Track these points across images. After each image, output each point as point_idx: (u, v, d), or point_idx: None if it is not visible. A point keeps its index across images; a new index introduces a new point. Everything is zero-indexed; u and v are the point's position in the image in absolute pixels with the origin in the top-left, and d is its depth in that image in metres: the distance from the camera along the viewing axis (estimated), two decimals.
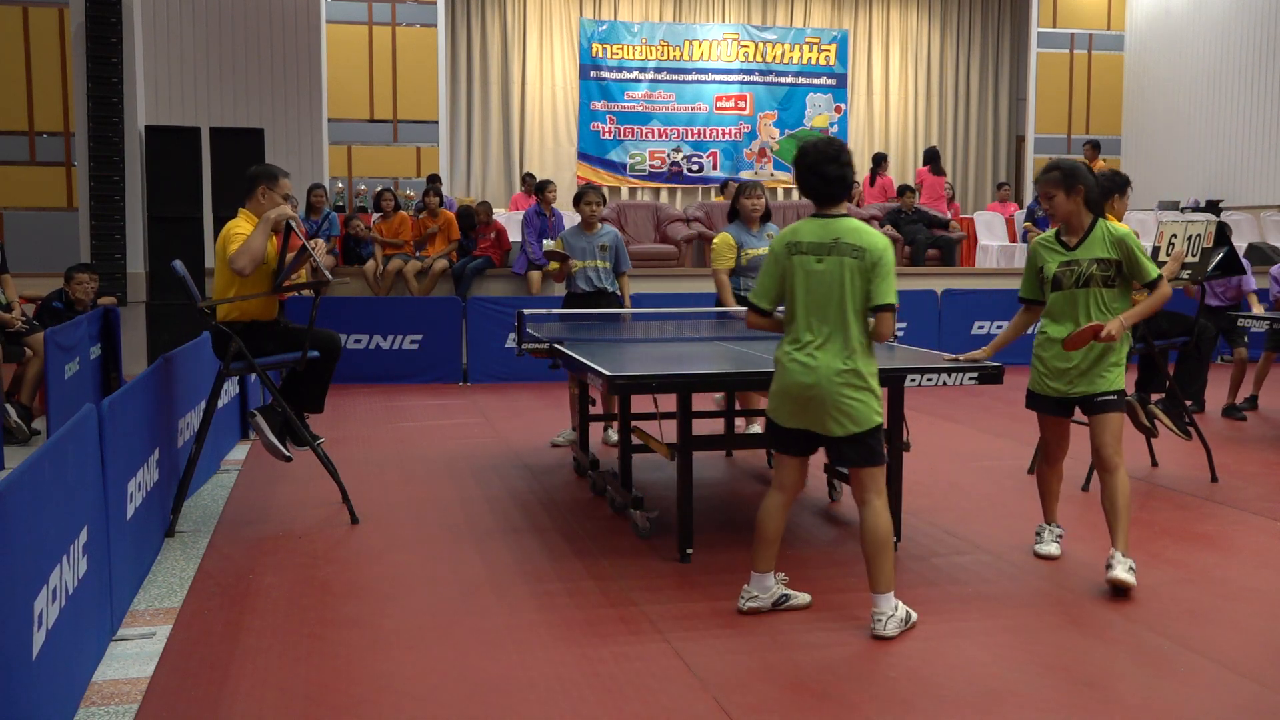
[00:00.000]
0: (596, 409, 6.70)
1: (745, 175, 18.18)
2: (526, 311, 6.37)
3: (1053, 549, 4.73)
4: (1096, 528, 5.24)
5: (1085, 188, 4.35)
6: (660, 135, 18.03)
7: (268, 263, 5.34)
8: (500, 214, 13.65)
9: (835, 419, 3.79)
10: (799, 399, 3.83)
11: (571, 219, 14.29)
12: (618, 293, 7.08)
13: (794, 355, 3.85)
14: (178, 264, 5.38)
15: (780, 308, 4.00)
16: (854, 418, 3.78)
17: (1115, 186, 6.20)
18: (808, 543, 4.95)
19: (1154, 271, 4.36)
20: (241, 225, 5.30)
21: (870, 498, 3.85)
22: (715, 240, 6.76)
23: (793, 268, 3.87)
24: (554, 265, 7.12)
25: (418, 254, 11.07)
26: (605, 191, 17.57)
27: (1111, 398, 4.38)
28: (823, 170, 3.86)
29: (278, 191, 5.38)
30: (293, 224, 5.30)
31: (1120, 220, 6.23)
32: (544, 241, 10.84)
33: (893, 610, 3.80)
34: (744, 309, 6.62)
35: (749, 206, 6.64)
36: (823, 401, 3.78)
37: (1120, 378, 4.43)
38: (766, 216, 6.74)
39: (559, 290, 8.70)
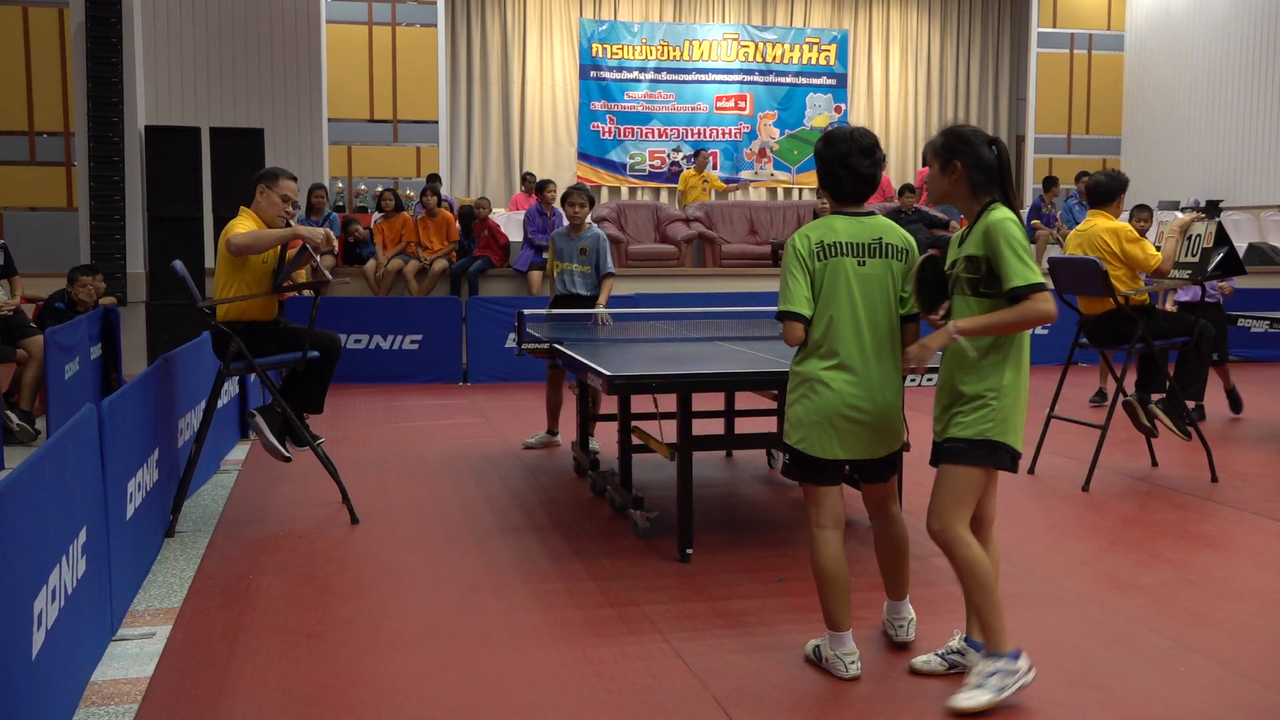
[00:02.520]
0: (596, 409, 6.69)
1: (745, 175, 18.20)
2: (527, 312, 6.37)
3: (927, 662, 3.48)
4: (1096, 527, 5.25)
5: (965, 163, 3.28)
6: (660, 135, 18.02)
7: (267, 262, 5.34)
8: (500, 214, 13.65)
9: (888, 441, 3.46)
10: (856, 422, 3.37)
11: None
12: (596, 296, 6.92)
13: (842, 375, 3.35)
14: (178, 264, 5.38)
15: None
16: (900, 433, 3.50)
17: (1120, 186, 6.22)
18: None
19: (1021, 278, 3.13)
20: (242, 221, 5.29)
21: (891, 505, 3.63)
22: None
23: (832, 271, 3.35)
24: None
25: (419, 253, 11.06)
26: (604, 191, 17.71)
27: (957, 446, 3.27)
28: (853, 164, 3.40)
29: (276, 191, 5.36)
30: (292, 225, 5.30)
31: (1116, 220, 6.24)
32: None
33: (911, 614, 3.75)
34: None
35: (819, 208, 6.55)
36: (881, 423, 3.40)
37: (989, 422, 3.21)
38: None
39: None
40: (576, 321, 6.73)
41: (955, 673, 3.41)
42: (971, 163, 3.27)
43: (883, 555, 3.70)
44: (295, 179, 5.51)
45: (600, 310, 6.83)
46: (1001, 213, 3.22)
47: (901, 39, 18.78)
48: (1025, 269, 3.14)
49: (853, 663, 3.45)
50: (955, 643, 3.50)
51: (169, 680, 3.46)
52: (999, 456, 3.24)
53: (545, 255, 10.75)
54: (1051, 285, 3.12)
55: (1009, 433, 3.23)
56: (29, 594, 2.78)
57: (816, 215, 6.56)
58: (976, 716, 3.15)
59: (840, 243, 3.38)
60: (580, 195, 6.90)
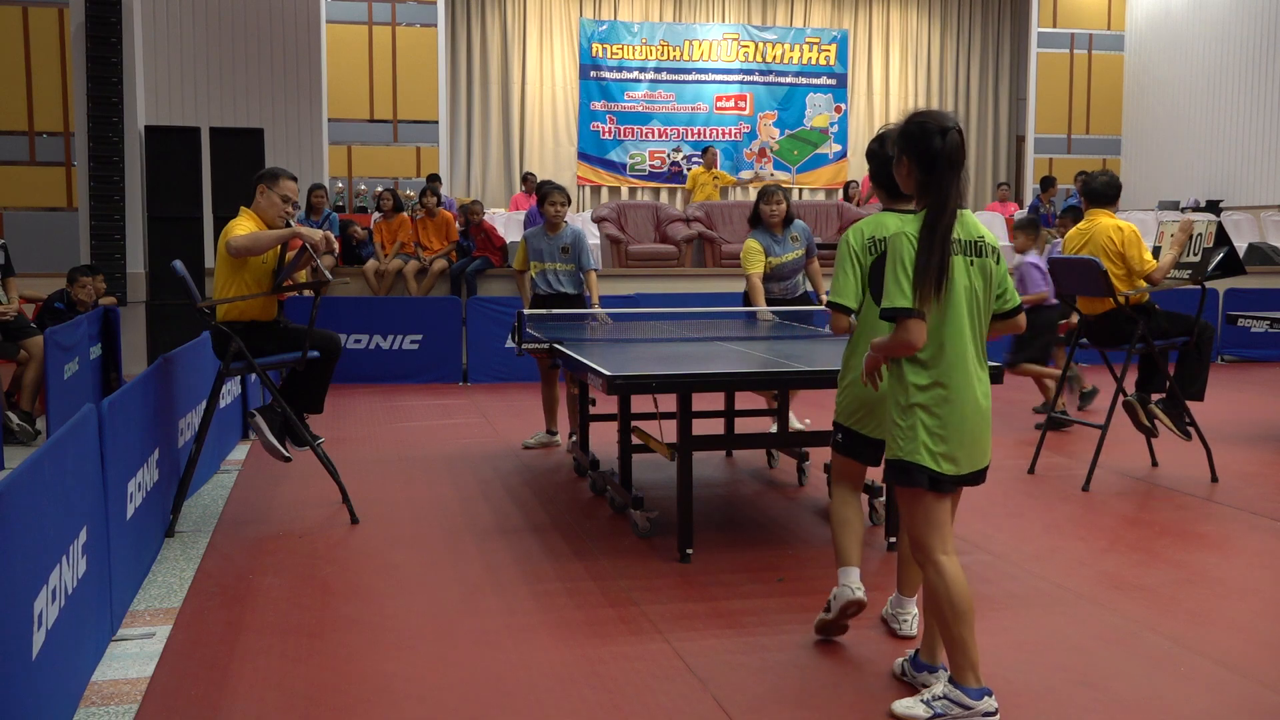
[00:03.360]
0: (596, 409, 6.69)
1: (745, 175, 18.21)
2: (526, 311, 6.37)
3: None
4: (1096, 527, 5.25)
5: (910, 159, 3.12)
6: (660, 135, 18.03)
7: (267, 262, 5.34)
8: (500, 214, 13.64)
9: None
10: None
11: (571, 219, 14.31)
12: (584, 293, 6.93)
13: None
14: (178, 264, 5.37)
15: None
16: None
17: (1120, 186, 6.25)
18: (807, 543, 4.95)
19: (888, 299, 3.04)
20: (242, 222, 5.30)
21: None
22: (744, 246, 6.72)
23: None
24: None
25: (418, 253, 11.05)
26: (604, 191, 17.72)
27: (890, 466, 3.18)
28: None
29: (277, 191, 5.35)
30: (292, 225, 5.30)
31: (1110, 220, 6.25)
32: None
33: (915, 611, 3.81)
34: (758, 309, 6.69)
35: (767, 213, 6.63)
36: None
37: (897, 440, 3.13)
38: (789, 220, 6.70)
39: None
40: (578, 321, 6.73)
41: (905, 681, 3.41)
42: (916, 159, 3.10)
43: (903, 550, 3.71)
44: (295, 179, 5.51)
45: (601, 310, 6.83)
46: (905, 226, 3.10)
47: (901, 39, 18.79)
48: (896, 291, 3.01)
49: (858, 588, 3.60)
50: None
51: (169, 680, 3.46)
52: (913, 477, 3.09)
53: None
54: (919, 310, 3.02)
55: (919, 452, 3.07)
56: (29, 594, 2.78)
57: (760, 219, 6.68)
58: None
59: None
60: (561, 194, 6.91)
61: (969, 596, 3.10)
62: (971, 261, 3.16)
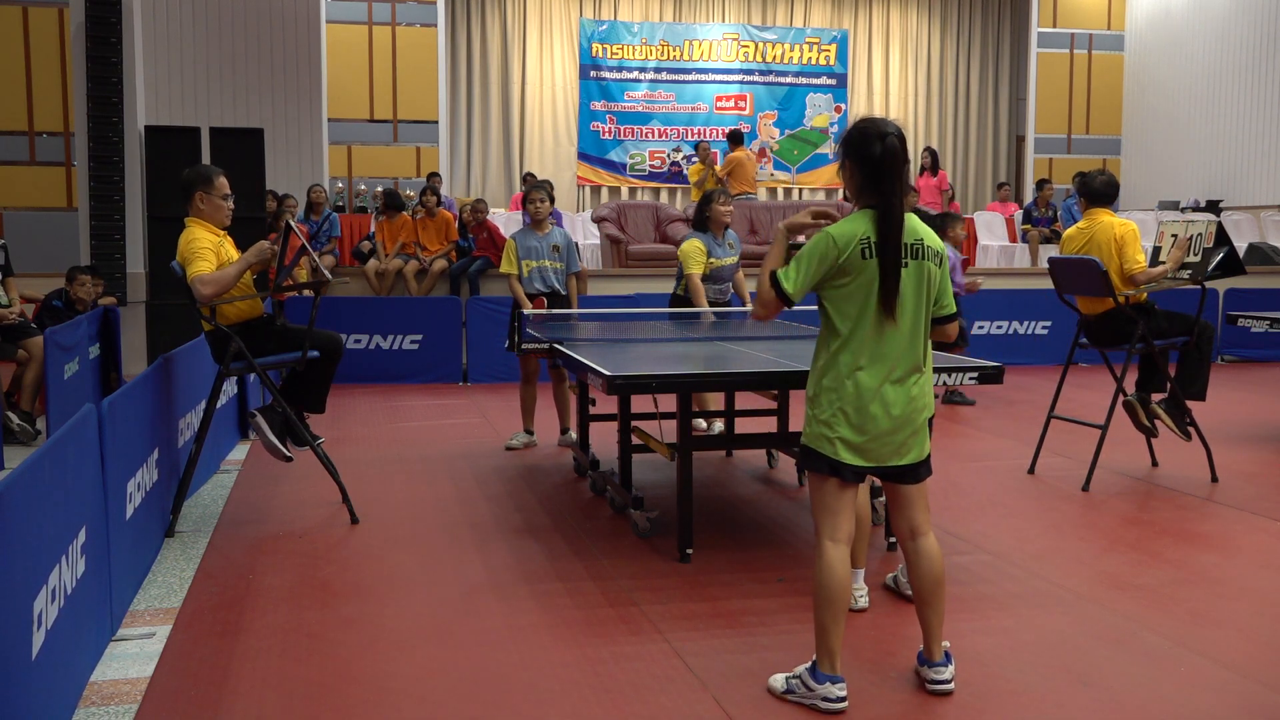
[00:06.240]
0: (596, 409, 6.69)
1: None
2: (525, 311, 6.37)
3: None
4: (1096, 527, 5.25)
5: (852, 163, 3.21)
6: (660, 135, 18.03)
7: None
8: (500, 214, 13.64)
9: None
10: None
11: (571, 219, 14.31)
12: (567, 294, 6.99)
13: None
14: (177, 264, 5.37)
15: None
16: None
17: (1117, 185, 6.25)
18: (807, 542, 4.95)
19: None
20: (199, 235, 5.12)
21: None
22: (686, 246, 6.83)
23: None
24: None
25: (418, 254, 11.05)
26: (604, 191, 17.71)
27: (800, 450, 3.35)
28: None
29: (215, 194, 5.18)
30: (292, 225, 5.29)
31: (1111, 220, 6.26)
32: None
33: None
34: (700, 309, 6.76)
35: (722, 213, 6.80)
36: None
37: (806, 426, 3.30)
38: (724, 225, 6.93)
39: None
40: (565, 321, 6.77)
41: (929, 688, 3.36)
42: (857, 163, 3.19)
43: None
44: (222, 171, 5.29)
45: (576, 310, 6.89)
46: (827, 229, 3.19)
47: (901, 39, 18.79)
48: (790, 270, 3.19)
49: (861, 594, 3.97)
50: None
51: (169, 680, 3.46)
52: (815, 462, 3.25)
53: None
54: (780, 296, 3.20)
55: (820, 440, 3.23)
56: (29, 594, 2.78)
57: (704, 222, 6.88)
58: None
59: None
60: (540, 192, 6.97)
61: (840, 587, 3.20)
62: (905, 263, 3.19)
